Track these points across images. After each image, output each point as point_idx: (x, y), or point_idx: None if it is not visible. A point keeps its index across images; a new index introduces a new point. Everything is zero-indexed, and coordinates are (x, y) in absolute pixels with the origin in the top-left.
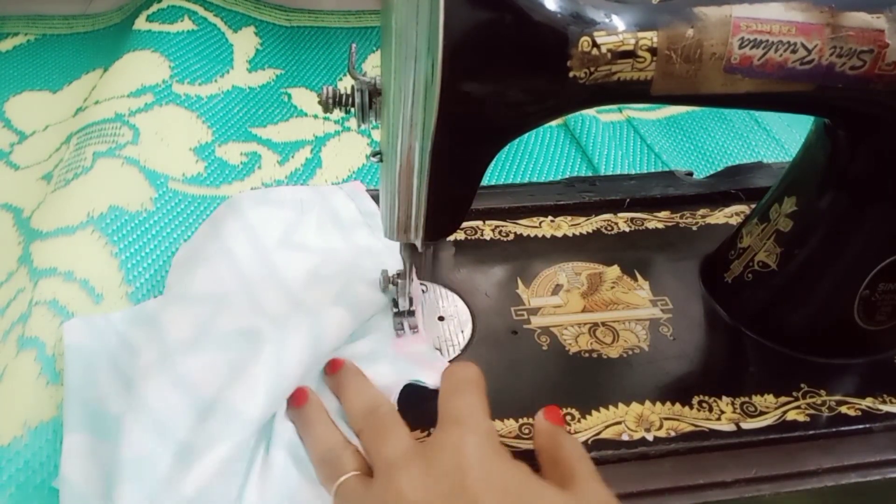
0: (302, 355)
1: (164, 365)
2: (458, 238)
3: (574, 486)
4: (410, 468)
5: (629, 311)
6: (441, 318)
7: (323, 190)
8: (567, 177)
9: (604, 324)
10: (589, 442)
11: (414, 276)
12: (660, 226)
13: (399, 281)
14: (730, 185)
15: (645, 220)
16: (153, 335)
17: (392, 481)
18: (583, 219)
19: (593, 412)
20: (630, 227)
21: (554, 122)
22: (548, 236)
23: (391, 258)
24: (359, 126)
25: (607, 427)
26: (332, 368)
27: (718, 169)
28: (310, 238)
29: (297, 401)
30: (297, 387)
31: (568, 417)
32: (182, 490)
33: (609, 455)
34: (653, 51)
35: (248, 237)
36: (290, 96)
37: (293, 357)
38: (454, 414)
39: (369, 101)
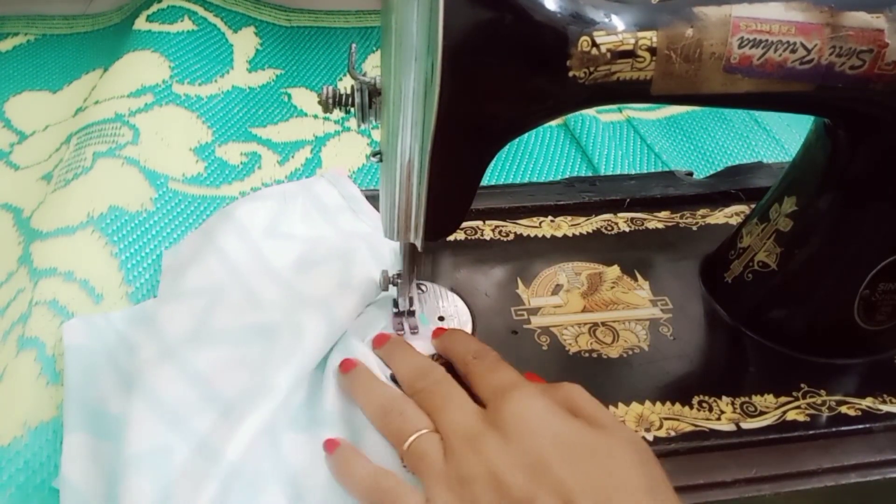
0: (319, 338)
1: (169, 359)
2: (458, 238)
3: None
4: (488, 438)
5: (629, 311)
6: (441, 318)
7: (304, 181)
8: (567, 177)
9: (604, 324)
10: None
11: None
12: (660, 226)
13: (399, 281)
14: (730, 185)
15: (645, 220)
16: (152, 333)
17: (475, 452)
18: (583, 219)
19: None
20: (630, 227)
21: (554, 122)
22: (548, 236)
23: (379, 242)
24: (359, 126)
25: None
26: (346, 368)
27: (718, 169)
28: (296, 226)
29: (345, 367)
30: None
31: None
32: (226, 455)
33: None
34: (652, 50)
35: (234, 230)
36: (290, 96)
37: (312, 342)
38: (503, 383)
39: (369, 101)
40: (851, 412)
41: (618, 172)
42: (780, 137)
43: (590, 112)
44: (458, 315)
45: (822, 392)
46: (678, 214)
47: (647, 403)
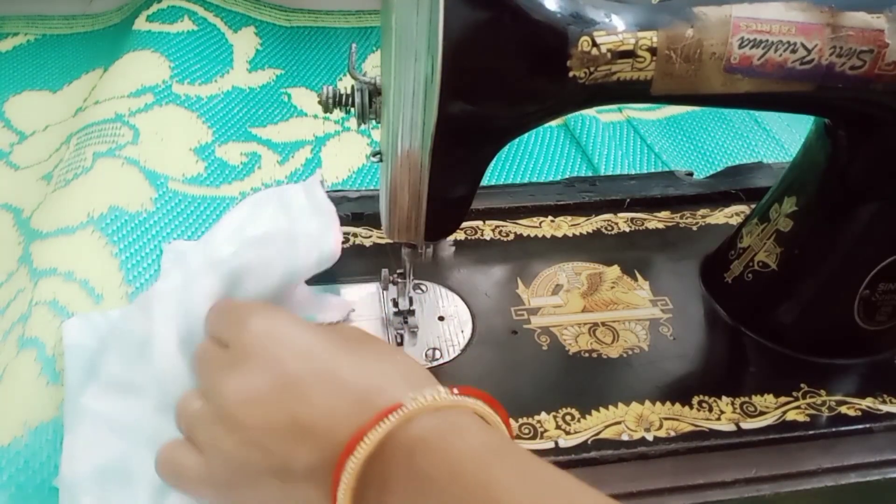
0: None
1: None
2: (458, 238)
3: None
4: (231, 374)
5: (629, 311)
6: (441, 318)
7: (279, 188)
8: (567, 177)
9: (604, 324)
10: (589, 442)
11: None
12: (660, 226)
13: (399, 281)
14: (730, 185)
15: (645, 220)
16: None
17: (215, 386)
18: (583, 219)
19: (593, 412)
20: (630, 227)
21: (554, 122)
22: (548, 236)
23: (324, 242)
24: (359, 126)
25: (607, 427)
26: None
27: (718, 169)
28: (262, 230)
29: None
30: None
31: (568, 417)
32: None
33: (609, 455)
34: (653, 51)
35: (203, 240)
36: (290, 96)
37: None
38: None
39: (369, 101)
40: (851, 412)
41: (618, 172)
42: (780, 137)
43: (590, 112)
44: (458, 315)
45: (822, 392)
46: (678, 214)
47: (647, 403)
